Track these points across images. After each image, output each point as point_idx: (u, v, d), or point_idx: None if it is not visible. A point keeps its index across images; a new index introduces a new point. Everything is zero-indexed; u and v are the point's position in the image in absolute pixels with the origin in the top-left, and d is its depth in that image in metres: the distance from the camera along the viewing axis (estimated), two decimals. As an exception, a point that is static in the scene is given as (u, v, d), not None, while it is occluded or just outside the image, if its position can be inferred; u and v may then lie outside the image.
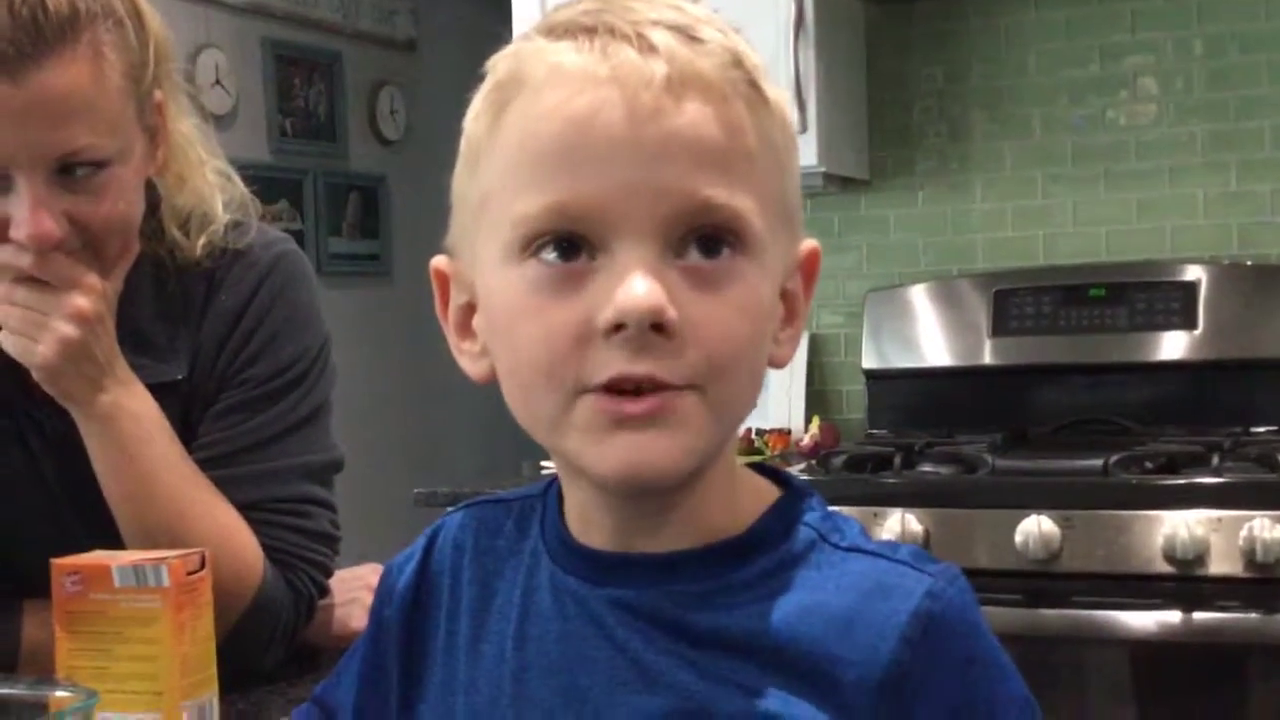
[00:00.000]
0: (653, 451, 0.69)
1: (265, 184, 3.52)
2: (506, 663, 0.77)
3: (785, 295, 0.75)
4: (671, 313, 0.67)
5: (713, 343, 0.69)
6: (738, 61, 0.71)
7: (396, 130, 3.85)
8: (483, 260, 0.74)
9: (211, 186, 1.27)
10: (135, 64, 1.16)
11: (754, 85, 0.72)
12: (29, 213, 1.11)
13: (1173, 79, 2.77)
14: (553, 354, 0.69)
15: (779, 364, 0.76)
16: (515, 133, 0.71)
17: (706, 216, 0.69)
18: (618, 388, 0.68)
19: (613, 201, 0.68)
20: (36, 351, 1.15)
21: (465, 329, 0.77)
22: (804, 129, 2.64)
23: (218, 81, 3.27)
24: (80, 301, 1.14)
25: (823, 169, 2.71)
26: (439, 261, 0.79)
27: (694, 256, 0.69)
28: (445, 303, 0.79)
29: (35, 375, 1.16)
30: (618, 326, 0.67)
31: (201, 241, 1.25)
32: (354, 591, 1.34)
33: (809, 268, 0.77)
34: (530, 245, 0.70)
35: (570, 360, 0.69)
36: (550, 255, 0.69)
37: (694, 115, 0.69)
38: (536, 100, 0.70)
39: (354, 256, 3.72)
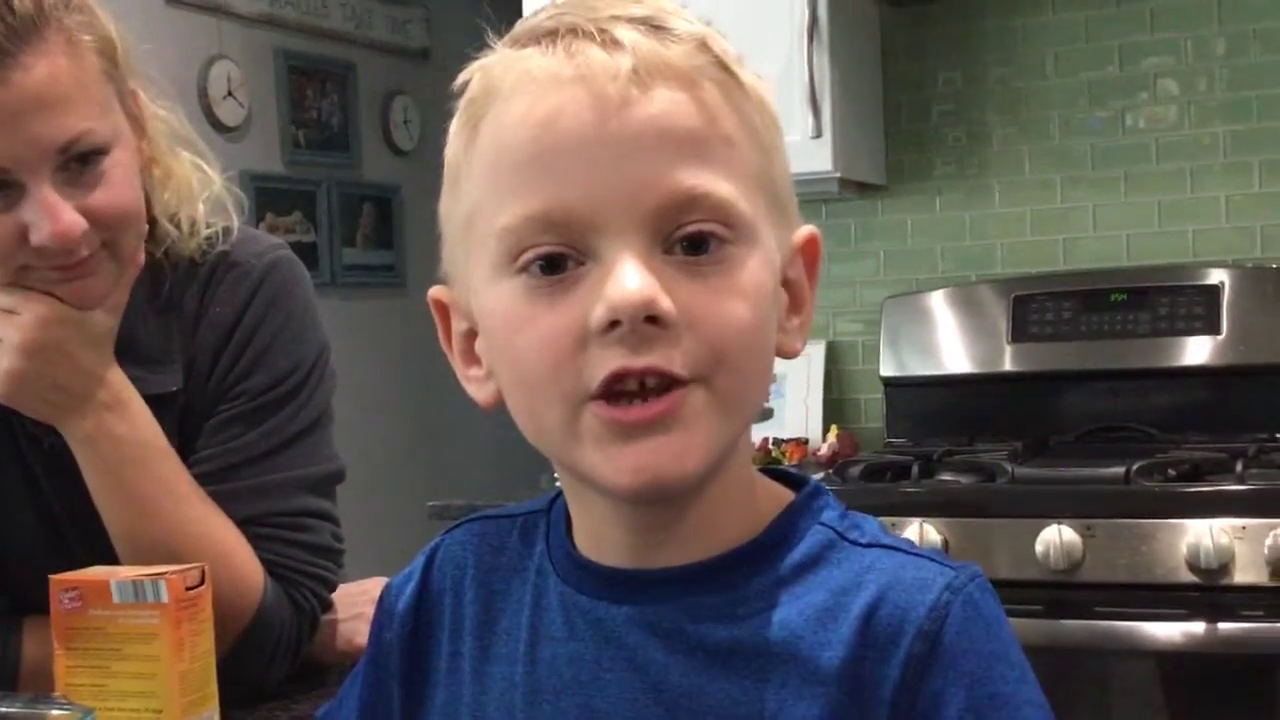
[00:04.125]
0: (665, 456, 0.67)
1: (279, 195, 3.54)
2: (517, 687, 0.75)
3: (788, 284, 0.74)
4: (665, 302, 0.66)
5: (713, 330, 0.67)
6: (705, 46, 0.70)
7: (410, 140, 3.84)
8: (475, 280, 0.73)
9: (189, 176, 1.26)
10: (107, 46, 1.15)
11: (725, 68, 0.71)
12: (47, 212, 1.10)
13: (1194, 80, 2.73)
14: (552, 360, 0.68)
15: (788, 354, 0.74)
16: (490, 145, 0.71)
17: (690, 206, 0.67)
18: (620, 389, 0.67)
19: (593, 201, 0.67)
20: None
21: (469, 356, 0.76)
22: (819, 134, 2.62)
23: (230, 93, 3.26)
24: (25, 335, 1.12)
25: (838, 174, 2.67)
26: (436, 292, 0.78)
27: (684, 251, 0.68)
28: (448, 332, 0.78)
29: None
30: (612, 324, 0.66)
31: (194, 244, 1.24)
32: (359, 606, 1.32)
33: (810, 254, 0.76)
34: (517, 258, 0.69)
35: (570, 365, 0.67)
36: (538, 270, 0.68)
37: (664, 103, 0.68)
38: (507, 110, 0.70)
39: (368, 267, 3.71)
